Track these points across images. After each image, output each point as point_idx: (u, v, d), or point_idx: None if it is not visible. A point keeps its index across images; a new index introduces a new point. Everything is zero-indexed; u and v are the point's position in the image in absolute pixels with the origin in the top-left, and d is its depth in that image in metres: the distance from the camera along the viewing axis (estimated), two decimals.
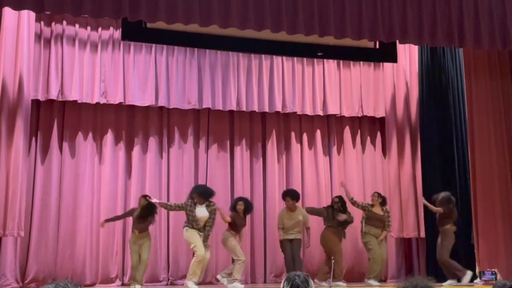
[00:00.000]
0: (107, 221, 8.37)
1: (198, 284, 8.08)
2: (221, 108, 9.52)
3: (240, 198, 8.72)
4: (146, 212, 8.10)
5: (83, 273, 8.69)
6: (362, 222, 8.97)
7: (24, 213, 8.11)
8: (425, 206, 9.35)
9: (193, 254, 8.01)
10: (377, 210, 8.94)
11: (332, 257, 7.86)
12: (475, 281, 8.59)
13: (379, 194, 9.16)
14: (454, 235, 8.83)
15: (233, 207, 8.53)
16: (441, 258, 8.72)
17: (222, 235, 8.45)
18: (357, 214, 9.10)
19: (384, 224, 8.90)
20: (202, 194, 8.13)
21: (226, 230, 8.41)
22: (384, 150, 10.32)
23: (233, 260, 8.52)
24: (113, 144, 9.20)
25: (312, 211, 8.98)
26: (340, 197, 8.94)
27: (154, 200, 8.21)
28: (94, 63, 9.01)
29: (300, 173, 9.97)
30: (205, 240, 8.03)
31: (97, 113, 9.20)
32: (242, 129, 9.85)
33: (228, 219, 8.36)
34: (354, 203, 8.93)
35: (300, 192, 9.69)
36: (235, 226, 8.39)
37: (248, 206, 8.57)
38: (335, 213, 8.77)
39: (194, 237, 7.90)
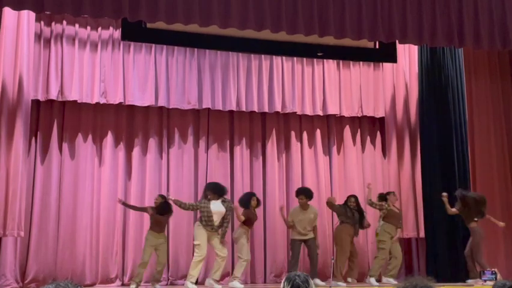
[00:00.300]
0: (124, 204, 8.55)
1: (198, 284, 8.10)
2: (221, 109, 9.52)
3: (253, 194, 8.83)
4: (162, 211, 8.22)
5: (83, 274, 8.68)
6: (379, 221, 8.91)
7: (24, 213, 8.11)
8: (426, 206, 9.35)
9: (193, 253, 8.02)
10: (394, 208, 8.94)
11: (332, 257, 7.87)
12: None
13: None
14: (481, 231, 8.53)
15: (246, 203, 8.54)
16: (477, 260, 8.50)
17: (235, 231, 8.52)
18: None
19: (399, 222, 8.91)
20: (216, 190, 8.18)
21: (240, 226, 8.44)
22: (384, 150, 10.33)
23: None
24: (113, 145, 9.20)
25: (332, 205, 8.94)
26: (356, 197, 8.95)
27: (170, 197, 8.25)
28: (93, 63, 9.00)
29: (300, 173, 9.97)
30: (222, 237, 8.10)
31: (97, 113, 9.20)
32: (242, 129, 9.85)
33: (243, 217, 8.40)
34: (371, 203, 8.89)
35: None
36: (249, 222, 8.46)
37: (259, 201, 8.75)
38: (353, 211, 8.77)
39: (201, 236, 7.91)
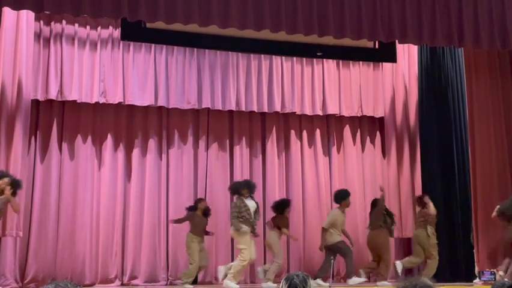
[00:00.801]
0: (176, 221, 8.61)
1: (198, 283, 8.10)
2: (220, 108, 9.52)
3: (287, 200, 9.04)
4: (208, 213, 8.52)
5: (82, 273, 8.68)
6: (426, 226, 8.78)
7: (24, 213, 8.11)
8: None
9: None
10: None
11: (332, 257, 7.87)
12: (474, 281, 8.60)
13: None
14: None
15: (283, 209, 8.74)
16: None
17: (269, 236, 8.69)
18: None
19: None
20: (251, 187, 8.33)
21: (272, 230, 8.61)
22: (384, 150, 10.33)
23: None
24: (112, 145, 9.20)
25: (381, 208, 8.96)
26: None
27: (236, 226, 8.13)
28: (93, 62, 9.00)
29: (300, 173, 9.97)
30: (254, 230, 8.16)
31: (96, 113, 9.19)
32: (241, 129, 9.85)
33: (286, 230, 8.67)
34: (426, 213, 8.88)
35: (300, 192, 9.74)
36: (282, 226, 8.65)
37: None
38: (385, 215, 8.88)
39: (247, 240, 7.95)
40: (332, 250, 8.63)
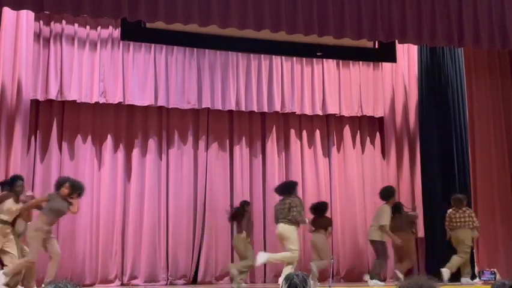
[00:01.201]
0: (250, 232, 8.62)
1: (197, 283, 8.08)
2: (220, 108, 9.53)
3: (326, 203, 9.07)
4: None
5: (82, 273, 8.68)
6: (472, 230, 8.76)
7: None
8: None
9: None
10: None
11: (332, 257, 7.86)
12: (474, 281, 8.59)
13: None
14: None
15: (323, 211, 8.76)
16: None
17: (316, 237, 8.63)
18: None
19: None
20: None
21: (319, 232, 8.60)
22: (384, 150, 10.33)
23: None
24: (112, 145, 9.20)
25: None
26: None
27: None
28: (93, 62, 9.00)
29: (300, 172, 9.97)
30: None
31: (96, 113, 9.20)
32: (241, 129, 9.85)
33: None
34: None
35: (300, 192, 9.74)
36: (326, 227, 8.69)
37: None
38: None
39: (297, 240, 7.88)
40: (372, 245, 8.71)
